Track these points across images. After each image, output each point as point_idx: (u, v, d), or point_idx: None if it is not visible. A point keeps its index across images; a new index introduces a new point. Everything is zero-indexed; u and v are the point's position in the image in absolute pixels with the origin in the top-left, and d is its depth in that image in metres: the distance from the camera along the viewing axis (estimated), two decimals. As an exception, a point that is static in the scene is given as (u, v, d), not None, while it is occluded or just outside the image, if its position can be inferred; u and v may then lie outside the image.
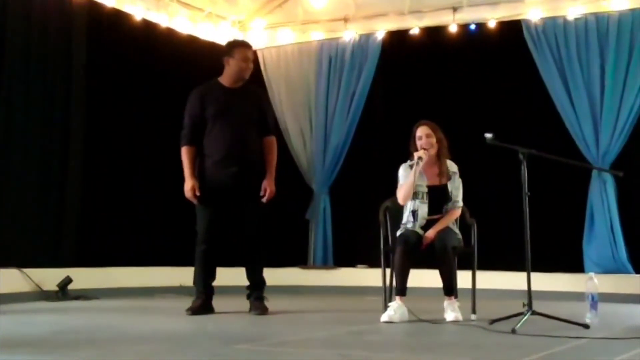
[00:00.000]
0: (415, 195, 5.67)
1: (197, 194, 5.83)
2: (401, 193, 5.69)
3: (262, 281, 6.04)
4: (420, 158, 5.59)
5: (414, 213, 5.67)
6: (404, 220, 5.74)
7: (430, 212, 5.67)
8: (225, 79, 6.01)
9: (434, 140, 5.69)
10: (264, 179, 5.93)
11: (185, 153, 5.94)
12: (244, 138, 5.90)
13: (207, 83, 6.08)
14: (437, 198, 5.69)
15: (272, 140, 6.07)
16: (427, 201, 5.66)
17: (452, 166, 5.77)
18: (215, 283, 6.01)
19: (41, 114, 7.42)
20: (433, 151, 5.68)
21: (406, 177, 5.69)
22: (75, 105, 7.71)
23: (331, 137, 9.33)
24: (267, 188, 5.90)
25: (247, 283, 6.05)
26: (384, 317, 5.35)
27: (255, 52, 6.18)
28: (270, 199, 5.93)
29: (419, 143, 5.68)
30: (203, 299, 5.91)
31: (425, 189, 5.67)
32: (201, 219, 5.93)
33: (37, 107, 7.39)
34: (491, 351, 4.19)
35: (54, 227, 7.54)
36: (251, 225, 5.96)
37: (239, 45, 6.09)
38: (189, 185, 5.86)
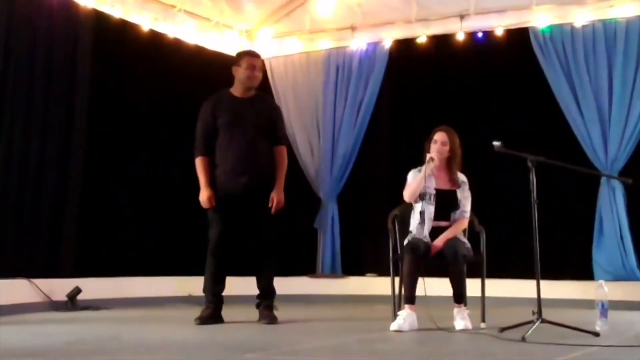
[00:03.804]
0: (422, 197, 5.70)
1: (213, 203, 5.87)
2: (409, 190, 5.73)
3: (272, 290, 6.04)
4: (431, 158, 5.66)
5: (422, 214, 5.69)
6: (412, 222, 5.76)
7: (436, 216, 5.69)
8: (235, 89, 6.07)
9: (447, 148, 5.74)
10: (274, 188, 5.95)
11: (199, 164, 5.97)
12: (254, 147, 5.92)
13: (218, 94, 6.11)
14: (445, 202, 5.71)
15: (282, 149, 6.09)
16: (434, 203, 5.69)
17: (461, 177, 5.82)
18: (224, 292, 6.01)
19: (44, 125, 7.42)
20: (443, 157, 5.72)
21: (415, 179, 5.74)
22: (79, 115, 7.72)
23: (339, 145, 9.33)
24: (275, 198, 5.91)
25: (257, 292, 6.05)
26: (394, 326, 5.34)
27: (263, 61, 6.18)
28: (279, 209, 5.93)
29: (433, 147, 5.73)
30: (212, 309, 5.91)
31: (433, 191, 5.71)
32: (213, 228, 5.95)
33: (40, 117, 7.38)
34: (501, 359, 4.18)
35: (63, 237, 7.54)
36: (263, 233, 5.96)
37: (245, 55, 6.16)
38: (205, 195, 5.89)
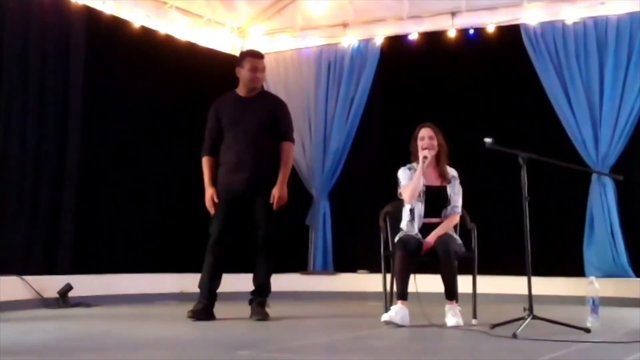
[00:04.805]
0: None
1: (216, 200, 5.93)
2: (408, 192, 5.70)
3: (268, 288, 6.05)
4: (425, 157, 5.66)
5: (412, 211, 5.70)
6: (403, 219, 5.76)
7: (427, 213, 5.69)
8: (240, 89, 6.14)
9: (435, 142, 5.74)
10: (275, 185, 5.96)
11: (204, 163, 6.10)
12: (255, 144, 5.96)
13: (224, 95, 6.21)
14: (435, 199, 5.72)
15: (287, 145, 6.09)
16: (423, 200, 5.69)
17: (452, 171, 5.82)
18: (218, 289, 6.00)
19: (38, 122, 7.39)
20: (434, 152, 5.72)
21: (407, 178, 5.74)
22: (74, 112, 7.69)
23: (330, 142, 9.34)
24: (275, 194, 5.92)
25: (250, 288, 6.05)
26: (385, 317, 5.35)
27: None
28: (281, 205, 5.95)
29: (420, 143, 5.74)
30: (205, 304, 5.91)
31: (423, 188, 5.70)
32: (214, 224, 5.98)
33: (34, 115, 7.35)
34: (492, 356, 4.19)
35: (54, 234, 7.52)
36: (263, 231, 5.97)
37: (248, 56, 6.19)
38: (208, 194, 5.99)
